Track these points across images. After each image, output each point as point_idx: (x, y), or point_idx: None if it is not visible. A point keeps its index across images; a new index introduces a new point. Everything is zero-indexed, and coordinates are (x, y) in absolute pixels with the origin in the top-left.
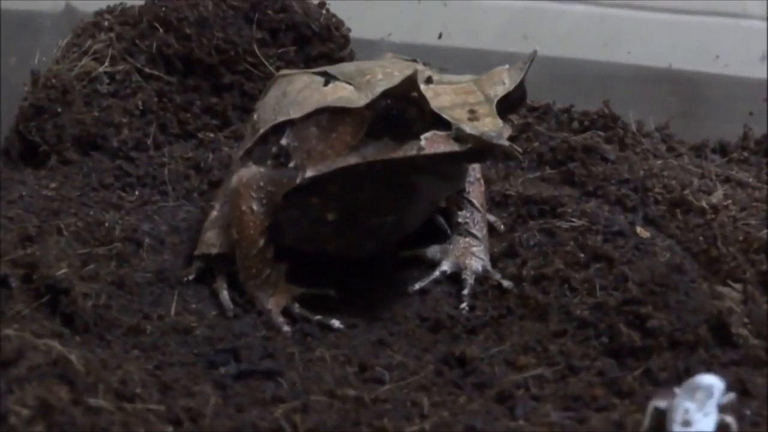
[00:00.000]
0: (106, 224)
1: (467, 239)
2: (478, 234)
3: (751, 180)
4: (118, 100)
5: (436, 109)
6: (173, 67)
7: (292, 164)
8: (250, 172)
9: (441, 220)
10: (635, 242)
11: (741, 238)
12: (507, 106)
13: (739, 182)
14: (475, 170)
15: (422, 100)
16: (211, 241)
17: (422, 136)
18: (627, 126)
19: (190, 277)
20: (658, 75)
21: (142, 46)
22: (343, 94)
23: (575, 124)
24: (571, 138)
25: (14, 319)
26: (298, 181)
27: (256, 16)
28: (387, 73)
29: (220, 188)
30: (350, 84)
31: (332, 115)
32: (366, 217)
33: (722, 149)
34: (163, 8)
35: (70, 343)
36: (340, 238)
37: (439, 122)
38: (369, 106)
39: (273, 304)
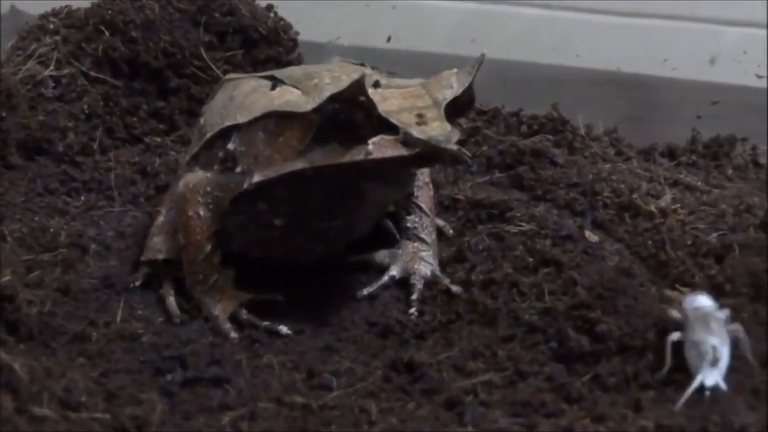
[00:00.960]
0: (51, 230)
1: (416, 244)
2: (427, 239)
3: (699, 184)
4: (63, 104)
5: (383, 113)
6: (119, 70)
7: (239, 169)
8: (196, 177)
9: (389, 224)
10: (584, 246)
11: (689, 242)
12: (455, 109)
13: (687, 186)
14: (423, 174)
15: (370, 104)
16: (158, 246)
17: (370, 141)
18: (576, 130)
19: (137, 284)
20: (607, 78)
21: (88, 50)
22: (290, 98)
23: (524, 128)
24: (520, 142)
25: None
26: (245, 186)
27: (203, 19)
28: (335, 77)
29: (167, 193)
30: (297, 88)
31: (279, 120)
32: (314, 222)
33: (671, 153)
34: (109, 11)
35: (14, 351)
36: (287, 242)
37: (386, 127)
38: (316, 110)
39: (220, 310)
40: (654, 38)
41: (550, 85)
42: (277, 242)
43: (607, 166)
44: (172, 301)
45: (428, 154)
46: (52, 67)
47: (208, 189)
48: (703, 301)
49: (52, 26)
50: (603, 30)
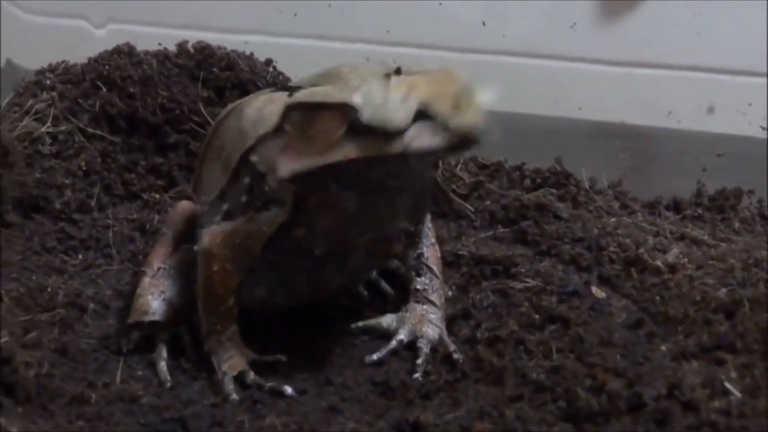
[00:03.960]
0: (49, 289)
1: (425, 306)
2: (437, 301)
3: (706, 237)
4: (60, 161)
5: (419, 103)
6: (117, 126)
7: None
8: (222, 229)
9: (385, 285)
10: (591, 303)
11: (698, 297)
12: None
13: (694, 240)
14: (428, 236)
15: (405, 93)
16: (144, 308)
17: (407, 131)
18: (580, 183)
19: (130, 347)
20: (611, 130)
21: (85, 106)
22: (317, 90)
23: (527, 182)
24: (524, 196)
25: None
26: (275, 183)
27: (201, 75)
28: (358, 72)
29: (152, 252)
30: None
31: (307, 112)
32: (350, 235)
33: (676, 206)
34: (107, 66)
35: (11, 414)
36: (315, 271)
37: (421, 114)
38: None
39: (228, 367)
40: (657, 90)
41: (553, 137)
42: (307, 274)
43: (612, 220)
44: (163, 366)
45: (466, 142)
46: (48, 124)
47: (237, 241)
48: None
49: (48, 82)
50: (605, 81)
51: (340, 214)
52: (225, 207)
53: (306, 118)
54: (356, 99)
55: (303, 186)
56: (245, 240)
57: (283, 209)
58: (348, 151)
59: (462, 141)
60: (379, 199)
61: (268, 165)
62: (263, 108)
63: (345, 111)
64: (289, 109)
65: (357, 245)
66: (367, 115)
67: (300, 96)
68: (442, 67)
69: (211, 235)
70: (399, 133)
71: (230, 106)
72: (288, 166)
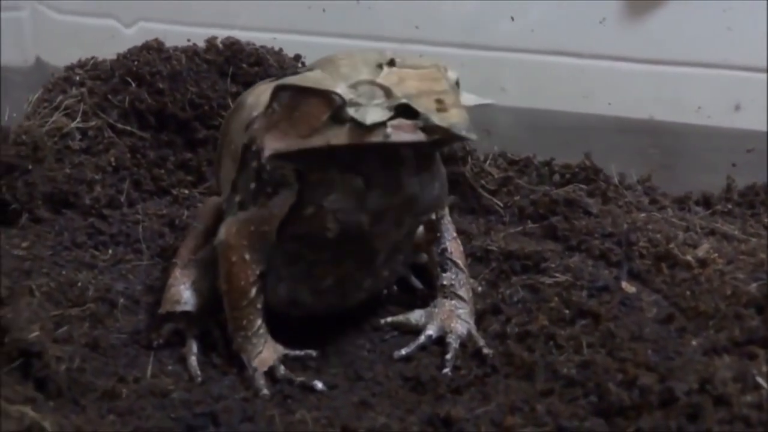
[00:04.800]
0: (79, 284)
1: (453, 302)
2: (464, 296)
3: (736, 233)
4: (90, 156)
5: (403, 98)
6: (146, 122)
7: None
8: (236, 220)
9: (415, 280)
10: (621, 297)
11: (729, 292)
12: None
13: (724, 235)
14: (449, 230)
15: (389, 89)
16: (176, 297)
17: (389, 124)
18: (609, 179)
19: (160, 341)
20: (640, 126)
21: (115, 101)
22: (308, 74)
23: (556, 177)
24: (553, 191)
25: None
26: (263, 160)
27: (230, 70)
28: (352, 62)
29: (182, 245)
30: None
31: (295, 94)
32: (363, 222)
33: (706, 201)
34: (136, 62)
35: (44, 408)
36: (339, 268)
37: (405, 110)
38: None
39: (258, 362)
40: (686, 86)
41: (582, 133)
42: (328, 269)
43: (642, 215)
44: (193, 360)
45: (446, 140)
46: (78, 119)
47: (252, 228)
48: None
49: (78, 78)
50: (635, 78)
51: (346, 193)
52: (237, 198)
53: (293, 100)
54: (341, 89)
55: (298, 164)
56: (260, 226)
57: (291, 191)
58: (329, 138)
59: (442, 138)
60: (384, 180)
61: (257, 143)
62: (261, 95)
63: (329, 99)
64: (278, 90)
65: (376, 235)
66: (349, 106)
67: (290, 79)
68: (435, 62)
69: (226, 226)
70: (380, 124)
71: (233, 105)
72: (272, 144)
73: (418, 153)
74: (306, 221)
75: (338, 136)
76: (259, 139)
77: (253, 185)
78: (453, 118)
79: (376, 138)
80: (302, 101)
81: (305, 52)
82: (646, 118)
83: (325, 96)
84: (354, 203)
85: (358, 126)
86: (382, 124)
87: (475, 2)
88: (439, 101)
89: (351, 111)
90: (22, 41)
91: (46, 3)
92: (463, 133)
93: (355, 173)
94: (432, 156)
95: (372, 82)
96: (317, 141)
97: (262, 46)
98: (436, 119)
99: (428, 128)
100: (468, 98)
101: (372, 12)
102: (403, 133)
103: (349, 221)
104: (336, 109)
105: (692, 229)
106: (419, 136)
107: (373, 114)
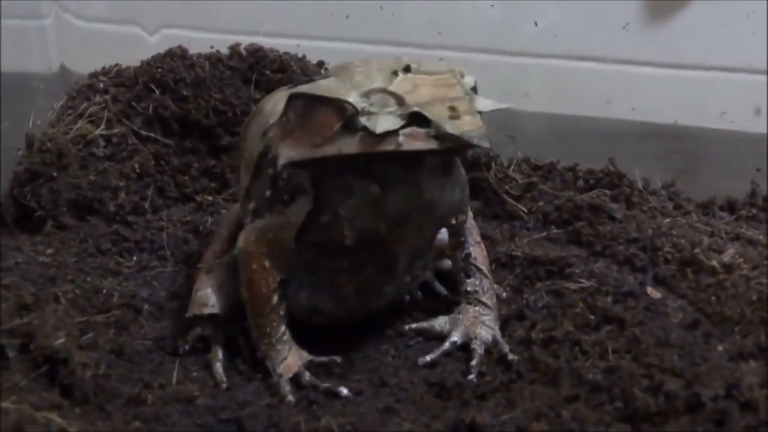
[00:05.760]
0: (104, 291)
1: (477, 308)
2: (488, 302)
3: (761, 238)
4: (114, 163)
5: (416, 106)
6: (170, 129)
7: (278, 166)
8: (255, 228)
9: (439, 286)
10: (646, 303)
11: (755, 297)
12: None
13: (749, 240)
14: (473, 234)
15: (401, 97)
16: (203, 300)
17: (401, 132)
18: (633, 184)
19: (186, 347)
20: (663, 131)
21: (139, 108)
22: (321, 83)
23: (580, 183)
24: (577, 197)
25: (12, 391)
26: (278, 168)
27: (254, 77)
28: (367, 70)
29: (208, 250)
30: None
31: (309, 102)
32: (381, 229)
33: (730, 207)
34: (160, 69)
35: (70, 415)
36: (359, 272)
37: (418, 117)
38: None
39: (284, 369)
40: (710, 91)
41: (606, 139)
42: (348, 277)
43: (667, 220)
44: (218, 367)
45: (458, 148)
46: (102, 127)
47: (270, 236)
48: None
49: (101, 85)
50: (658, 83)
51: (362, 199)
52: (252, 206)
53: (306, 109)
54: (353, 98)
55: (314, 172)
56: (278, 234)
57: (307, 198)
58: (341, 147)
59: (454, 146)
60: (401, 186)
61: (273, 150)
62: (278, 103)
63: (341, 108)
64: (292, 99)
65: (395, 241)
66: (361, 115)
67: (302, 88)
68: (451, 67)
69: (245, 234)
70: (392, 133)
71: (254, 108)
72: (286, 153)
73: (435, 160)
74: (323, 228)
75: (350, 145)
76: (275, 148)
77: (268, 192)
78: (466, 126)
79: (388, 147)
80: (315, 110)
81: (329, 58)
82: (669, 123)
83: (337, 105)
84: (370, 210)
85: (370, 135)
86: (394, 133)
87: (498, 8)
88: (452, 108)
89: (363, 120)
90: (46, 49)
91: (69, 10)
92: (476, 141)
93: (370, 180)
94: (451, 162)
95: (384, 90)
96: (330, 150)
97: (285, 53)
98: (449, 127)
99: (441, 136)
100: (485, 103)
101: (395, 18)
102: (415, 141)
103: (366, 228)
104: (348, 118)
105: (717, 235)
106: (431, 145)
107: (384, 123)
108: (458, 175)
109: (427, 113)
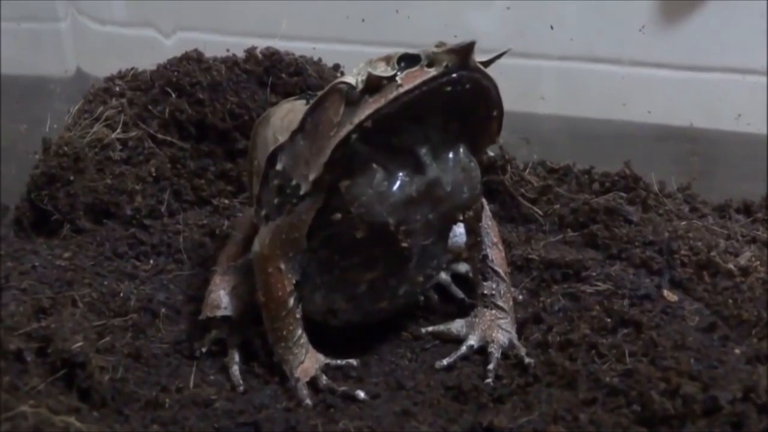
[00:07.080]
0: (121, 294)
1: (493, 311)
2: (505, 306)
3: None
4: (130, 167)
5: (401, 52)
6: (186, 132)
7: (294, 182)
8: (269, 230)
9: (456, 289)
10: (663, 306)
11: None
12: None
13: (765, 243)
14: (489, 235)
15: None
16: (216, 302)
17: (397, 77)
18: (649, 187)
19: (203, 350)
20: (679, 134)
21: (155, 112)
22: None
23: (596, 186)
24: (593, 200)
25: (30, 395)
26: (303, 190)
27: (270, 80)
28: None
29: (222, 252)
30: None
31: (313, 114)
32: (389, 222)
33: (746, 209)
34: (176, 73)
35: (88, 418)
36: (372, 270)
37: (409, 61)
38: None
39: (301, 372)
40: (726, 93)
41: (622, 141)
42: (361, 274)
43: (683, 223)
44: (235, 370)
45: (456, 67)
46: (119, 130)
47: (283, 236)
48: None
49: (118, 89)
50: (674, 85)
51: (369, 187)
52: (263, 212)
53: (313, 120)
54: (344, 78)
55: (326, 175)
56: (290, 233)
57: (318, 197)
58: (352, 119)
59: (451, 67)
60: (408, 175)
61: (290, 168)
62: (285, 117)
63: (338, 90)
64: (302, 122)
65: (405, 234)
66: (355, 82)
67: (299, 104)
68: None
69: (260, 238)
70: (390, 82)
71: (259, 118)
72: (306, 178)
73: (437, 104)
74: (335, 225)
75: (359, 114)
76: (298, 176)
77: (276, 200)
78: (452, 46)
79: (391, 94)
80: (320, 112)
81: (344, 61)
82: (685, 126)
83: (334, 91)
84: (378, 196)
85: (371, 96)
86: (392, 81)
87: (514, 10)
88: (438, 45)
89: (358, 81)
90: (62, 52)
91: (85, 13)
92: (467, 47)
93: (374, 164)
94: (449, 142)
95: (372, 60)
96: (342, 131)
97: (301, 56)
98: (437, 52)
99: (433, 60)
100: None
101: (410, 21)
102: (413, 79)
103: (376, 220)
104: (347, 95)
105: (733, 237)
106: (429, 74)
107: (378, 72)
108: (468, 166)
109: (412, 51)
